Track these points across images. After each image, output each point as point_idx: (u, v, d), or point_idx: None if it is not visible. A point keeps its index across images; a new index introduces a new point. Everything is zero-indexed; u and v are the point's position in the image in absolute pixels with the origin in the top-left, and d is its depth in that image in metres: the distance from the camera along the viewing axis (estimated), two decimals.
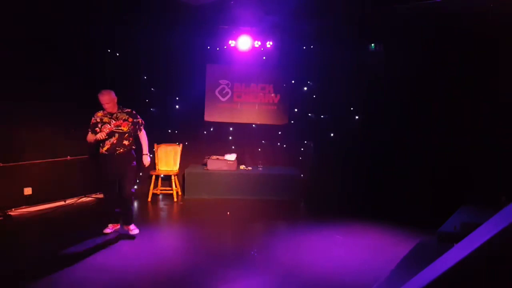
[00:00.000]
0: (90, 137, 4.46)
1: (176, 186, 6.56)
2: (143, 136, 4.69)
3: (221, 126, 7.48)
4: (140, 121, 4.64)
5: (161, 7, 6.07)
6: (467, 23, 5.60)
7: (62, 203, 6.02)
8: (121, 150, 4.41)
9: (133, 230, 4.56)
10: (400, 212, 5.86)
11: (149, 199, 6.41)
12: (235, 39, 7.01)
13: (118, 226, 4.68)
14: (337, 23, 6.50)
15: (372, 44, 7.02)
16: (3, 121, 5.28)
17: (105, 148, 4.40)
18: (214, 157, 6.94)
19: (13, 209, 5.42)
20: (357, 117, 7.35)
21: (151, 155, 4.66)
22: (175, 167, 6.67)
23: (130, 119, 4.53)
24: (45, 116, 5.72)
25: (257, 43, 7.04)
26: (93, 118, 4.50)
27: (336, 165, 7.11)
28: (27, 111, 5.50)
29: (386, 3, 5.69)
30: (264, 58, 7.32)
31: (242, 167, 7.14)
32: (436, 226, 3.75)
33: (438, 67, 6.29)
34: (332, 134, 7.40)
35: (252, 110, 7.48)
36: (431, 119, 6.41)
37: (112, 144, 4.38)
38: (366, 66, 6.94)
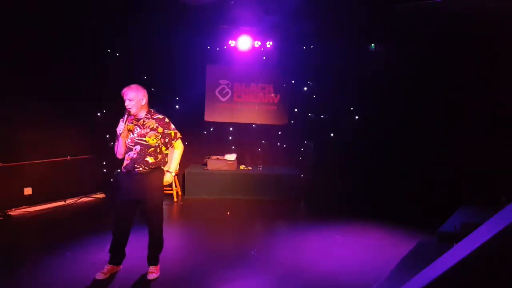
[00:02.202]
0: (115, 148, 3.48)
1: (176, 186, 6.56)
2: (177, 150, 3.63)
3: (221, 126, 7.49)
4: (173, 133, 3.53)
5: (161, 7, 6.07)
6: (467, 23, 5.60)
7: (62, 203, 6.01)
8: (141, 169, 3.36)
9: (152, 274, 3.50)
10: (400, 212, 5.86)
11: None
12: (235, 39, 7.01)
13: (118, 269, 3.61)
14: (337, 23, 6.50)
15: (372, 44, 7.02)
16: (3, 121, 5.28)
17: (123, 164, 3.43)
18: (214, 157, 6.94)
19: (13, 209, 5.41)
20: (357, 117, 7.35)
21: (173, 174, 3.65)
22: None
23: (160, 129, 3.44)
24: (45, 116, 5.73)
25: (257, 43, 7.04)
26: (118, 126, 3.45)
27: (336, 165, 7.11)
28: (27, 111, 5.50)
29: (386, 3, 5.69)
30: (264, 58, 7.33)
31: (242, 167, 7.14)
32: (436, 226, 3.75)
33: (438, 67, 6.29)
34: (332, 134, 7.40)
35: (252, 110, 7.48)
36: (431, 119, 6.41)
37: (131, 159, 3.36)
38: (366, 66, 6.95)
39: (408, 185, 6.44)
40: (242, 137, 7.53)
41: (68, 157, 6.18)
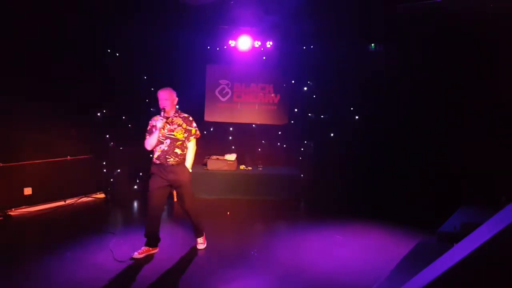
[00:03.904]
0: (147, 140, 3.95)
1: None
2: (190, 147, 4.12)
3: (221, 126, 7.48)
4: (193, 130, 4.10)
5: (161, 7, 6.07)
6: (467, 23, 5.60)
7: (62, 203, 6.01)
8: (172, 159, 3.91)
9: (200, 244, 4.23)
10: (400, 212, 5.86)
11: None
12: (235, 39, 7.01)
13: (155, 251, 4.08)
14: (337, 23, 6.50)
15: (372, 44, 7.02)
16: (3, 121, 5.28)
17: (155, 156, 3.94)
18: (214, 157, 6.94)
19: (13, 209, 5.41)
20: (357, 117, 7.34)
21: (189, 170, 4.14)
22: None
23: (184, 125, 4.03)
24: (45, 116, 5.72)
25: (257, 43, 7.04)
26: (150, 122, 4.03)
27: (336, 165, 7.11)
28: (27, 111, 5.50)
29: (386, 3, 5.69)
30: (264, 58, 7.33)
31: (242, 167, 7.14)
32: (436, 226, 3.75)
33: (438, 67, 6.29)
34: (332, 134, 7.40)
35: (252, 110, 7.49)
36: (431, 119, 6.41)
37: (163, 151, 3.90)
38: (366, 66, 6.94)
39: (408, 185, 6.44)
40: (242, 137, 7.53)
41: (68, 157, 6.18)
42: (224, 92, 7.44)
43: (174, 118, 4.02)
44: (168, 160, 3.89)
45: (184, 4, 5.72)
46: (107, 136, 6.70)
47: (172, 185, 4.01)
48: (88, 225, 5.01)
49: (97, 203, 6.27)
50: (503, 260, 1.63)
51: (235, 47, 7.07)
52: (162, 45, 6.80)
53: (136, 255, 3.93)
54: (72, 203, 6.10)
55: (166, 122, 3.94)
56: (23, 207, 5.56)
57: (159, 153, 3.91)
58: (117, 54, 6.70)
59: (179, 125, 4.00)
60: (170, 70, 7.00)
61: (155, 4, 6.05)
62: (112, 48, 6.66)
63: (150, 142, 3.93)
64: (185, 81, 7.08)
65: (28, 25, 5.42)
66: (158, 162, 3.93)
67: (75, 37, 5.96)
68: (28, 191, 5.63)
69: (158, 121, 3.86)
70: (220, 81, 7.42)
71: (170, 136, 3.94)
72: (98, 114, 6.59)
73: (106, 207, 6.08)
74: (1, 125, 5.27)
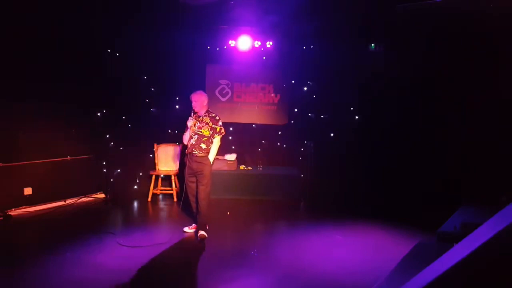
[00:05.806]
0: (183, 136, 4.70)
1: (176, 186, 6.56)
2: (214, 142, 4.64)
3: None
4: (218, 128, 4.64)
5: (161, 7, 6.07)
6: (467, 23, 5.60)
7: (62, 203, 6.01)
8: (197, 152, 4.54)
9: (200, 233, 4.61)
10: (400, 212, 5.86)
11: (149, 199, 6.41)
12: (235, 39, 7.01)
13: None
14: (337, 23, 6.50)
15: (372, 44, 7.02)
16: (3, 121, 5.28)
17: (187, 148, 4.65)
18: None
19: (13, 209, 5.41)
20: (357, 117, 7.34)
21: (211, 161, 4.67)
22: (175, 167, 6.67)
23: (211, 124, 4.60)
24: (45, 116, 5.72)
25: (257, 43, 7.04)
26: (187, 122, 4.65)
27: (336, 165, 7.11)
28: (27, 111, 5.50)
29: (386, 3, 5.68)
30: (264, 58, 7.32)
31: (242, 167, 7.14)
32: (436, 226, 3.75)
33: (438, 67, 6.29)
34: (332, 134, 7.40)
35: (252, 110, 7.48)
36: (431, 119, 6.41)
37: (191, 145, 4.58)
38: (366, 66, 6.94)
39: (408, 185, 6.44)
40: (242, 137, 7.53)
41: (68, 157, 6.18)
42: (224, 92, 7.44)
43: (204, 117, 4.61)
44: (194, 152, 4.55)
45: (184, 4, 5.72)
46: (107, 136, 6.70)
47: (194, 173, 4.59)
48: (88, 225, 5.01)
49: (97, 203, 6.27)
50: (503, 260, 1.63)
51: (235, 47, 7.07)
52: (162, 45, 6.78)
53: (187, 229, 4.83)
54: (72, 203, 6.10)
55: (197, 121, 4.58)
56: (23, 207, 5.56)
57: (189, 146, 4.60)
58: (117, 54, 6.69)
59: (206, 123, 4.59)
60: (170, 70, 7.00)
61: (155, 4, 6.05)
62: (112, 48, 6.65)
63: (185, 137, 4.67)
64: (185, 81, 7.08)
65: (28, 25, 5.41)
66: (187, 153, 4.63)
67: (75, 37, 5.96)
68: (28, 191, 5.63)
69: (188, 121, 4.55)
70: (220, 81, 7.42)
71: (198, 132, 4.57)
72: (98, 114, 6.58)
73: (106, 207, 6.08)
74: (1, 125, 5.27)
